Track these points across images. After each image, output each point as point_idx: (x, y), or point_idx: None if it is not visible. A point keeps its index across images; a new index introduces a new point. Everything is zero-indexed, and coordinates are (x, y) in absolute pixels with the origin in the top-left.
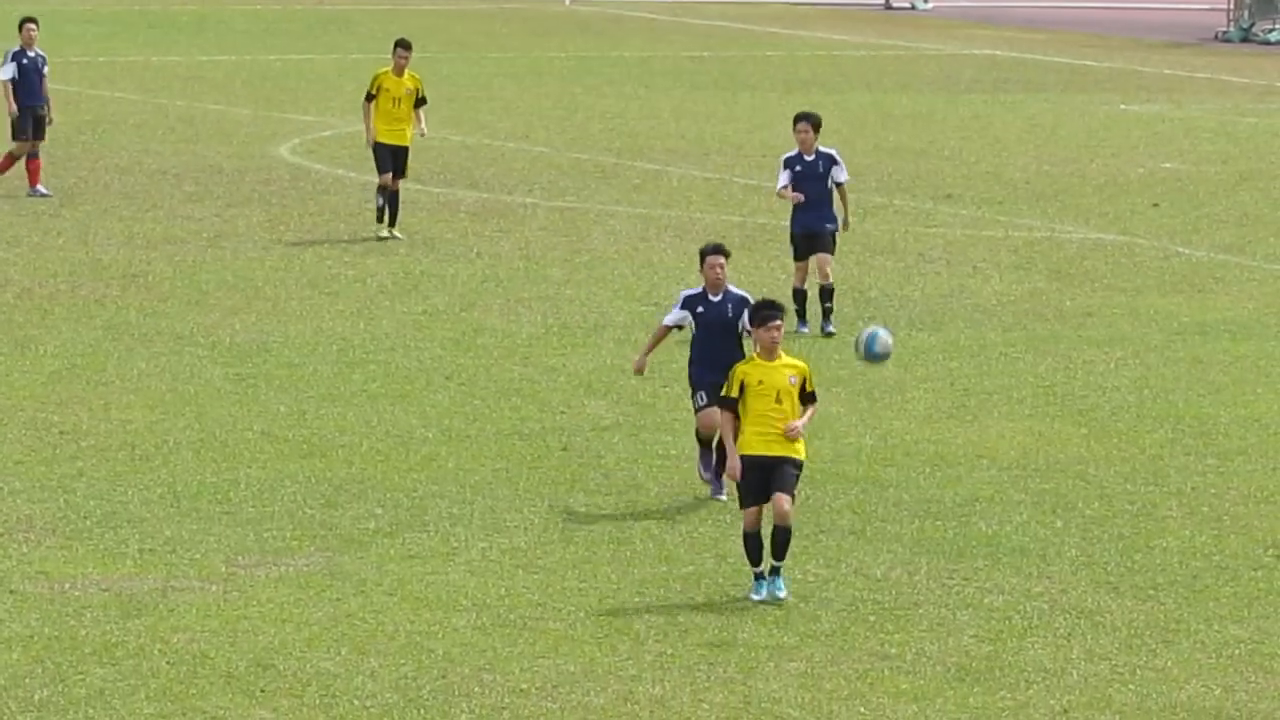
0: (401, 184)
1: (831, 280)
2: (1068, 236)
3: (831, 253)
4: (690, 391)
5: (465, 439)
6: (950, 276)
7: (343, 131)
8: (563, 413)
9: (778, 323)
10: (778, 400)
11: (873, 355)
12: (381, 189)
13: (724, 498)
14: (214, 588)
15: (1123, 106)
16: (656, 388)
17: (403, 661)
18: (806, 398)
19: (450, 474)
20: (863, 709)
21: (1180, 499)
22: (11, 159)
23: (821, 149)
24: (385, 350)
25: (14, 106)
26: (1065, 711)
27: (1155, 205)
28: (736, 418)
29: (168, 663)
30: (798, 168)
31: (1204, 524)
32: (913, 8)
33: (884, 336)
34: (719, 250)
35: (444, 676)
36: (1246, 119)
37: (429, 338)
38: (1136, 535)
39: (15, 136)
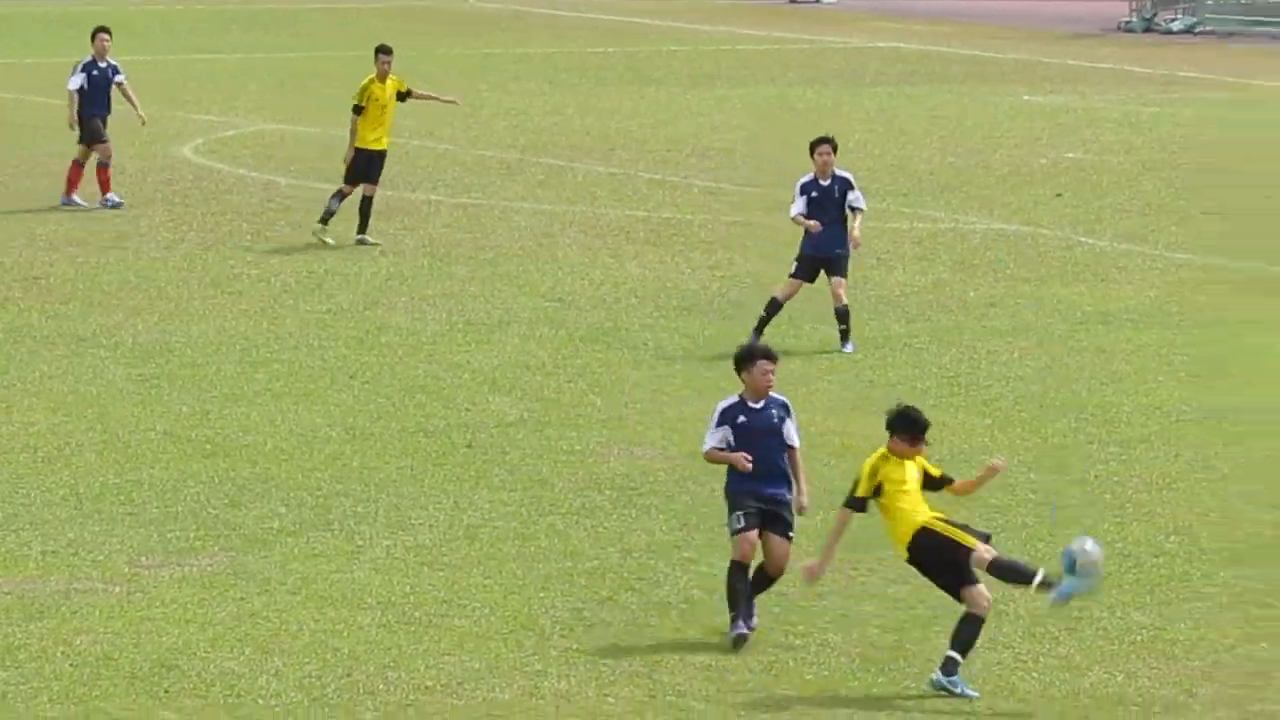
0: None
1: (846, 301)
2: (972, 227)
3: (845, 276)
4: (727, 511)
5: (369, 437)
6: (855, 269)
7: (246, 131)
8: (467, 409)
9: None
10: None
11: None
12: (340, 195)
13: (746, 631)
14: (117, 589)
15: (1026, 97)
16: (561, 383)
17: (307, 660)
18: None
19: (355, 472)
20: (768, 700)
21: (1083, 487)
22: (79, 167)
23: (838, 172)
24: (289, 349)
25: (74, 116)
26: (970, 700)
27: (1059, 195)
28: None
29: (71, 664)
30: (814, 193)
31: (1106, 512)
32: (817, 1)
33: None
34: (769, 355)
35: (349, 675)
36: (1149, 109)
37: (333, 336)
38: (1039, 524)
39: (82, 141)
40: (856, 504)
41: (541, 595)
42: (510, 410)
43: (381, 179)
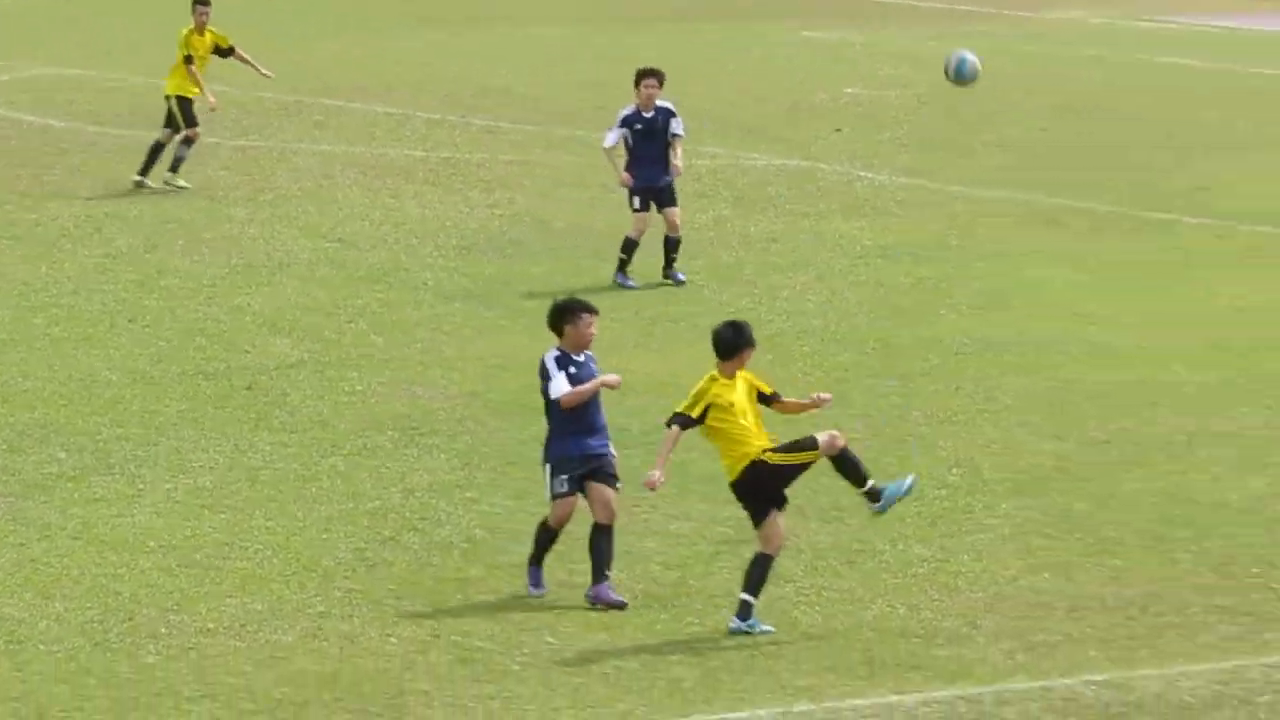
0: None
1: (680, 232)
2: (751, 163)
3: (676, 204)
4: (549, 474)
5: (150, 381)
6: None
7: (21, 75)
8: (247, 352)
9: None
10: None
11: (962, 77)
12: (189, 140)
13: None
14: None
15: (805, 33)
16: (341, 324)
17: (89, 605)
18: None
19: (135, 416)
20: (550, 638)
21: (865, 421)
22: None
23: (660, 103)
24: (68, 294)
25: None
26: (749, 633)
27: (838, 130)
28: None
29: None
30: (638, 125)
31: (889, 445)
32: None
33: (972, 60)
34: (590, 308)
35: (130, 619)
36: (927, 42)
37: (112, 280)
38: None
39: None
40: (682, 420)
41: (324, 537)
42: (291, 352)
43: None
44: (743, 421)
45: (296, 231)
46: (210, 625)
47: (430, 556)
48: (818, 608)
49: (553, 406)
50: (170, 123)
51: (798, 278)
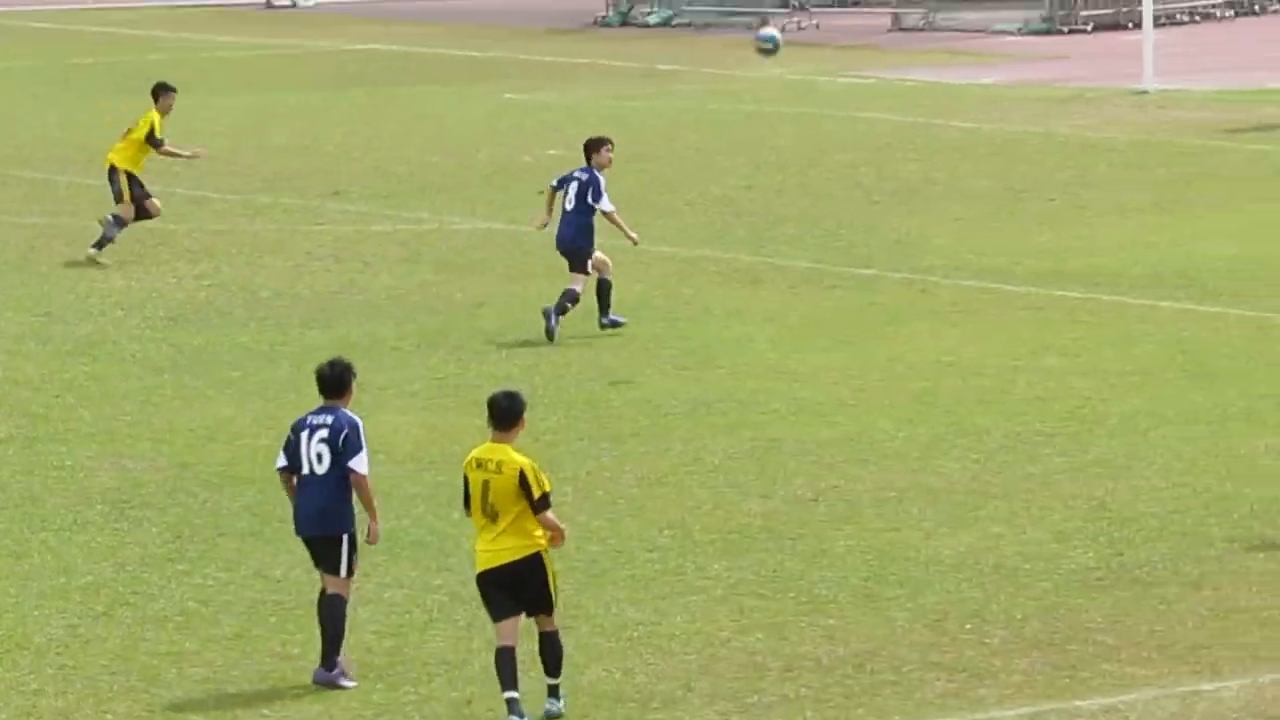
0: None
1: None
2: (456, 227)
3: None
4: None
5: None
6: (340, 273)
7: None
8: None
9: None
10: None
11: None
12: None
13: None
14: None
15: (507, 96)
16: (49, 398)
17: None
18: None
19: None
20: (266, 710)
21: (575, 484)
22: None
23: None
24: None
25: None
26: (468, 702)
27: (542, 192)
28: None
29: None
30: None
31: (600, 508)
32: (294, 5)
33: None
34: None
35: None
36: (628, 102)
37: None
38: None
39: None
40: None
41: (36, 613)
42: None
43: None
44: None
45: (1, 305)
46: None
47: (144, 631)
48: (532, 672)
49: (347, 476)
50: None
51: (504, 342)
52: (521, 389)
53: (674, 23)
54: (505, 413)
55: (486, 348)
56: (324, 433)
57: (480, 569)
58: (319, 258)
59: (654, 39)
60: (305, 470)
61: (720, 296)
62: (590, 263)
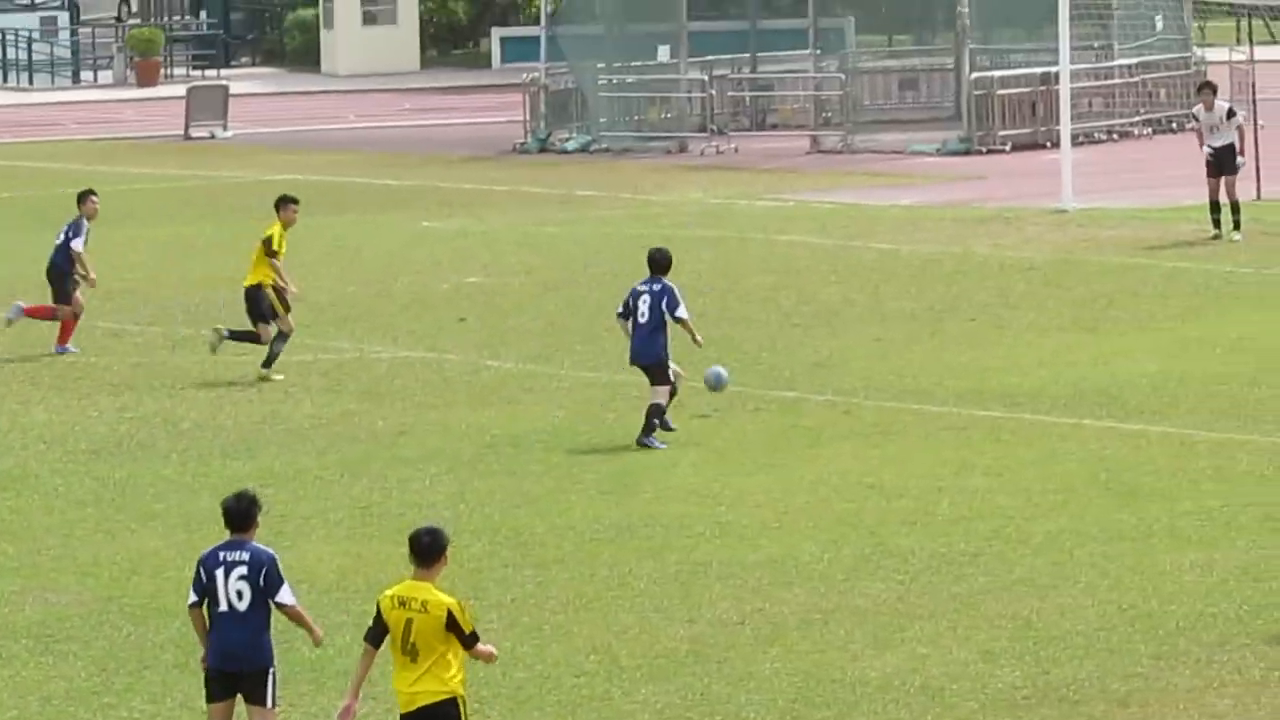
0: None
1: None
2: (377, 356)
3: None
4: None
5: None
6: (262, 403)
7: None
8: None
9: None
10: None
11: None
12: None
13: None
14: None
15: (425, 224)
16: None
17: None
18: None
19: None
20: None
21: (500, 610)
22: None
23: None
24: None
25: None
26: None
27: (462, 320)
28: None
29: None
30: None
31: (525, 634)
32: (212, 136)
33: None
34: None
35: None
36: (547, 228)
37: None
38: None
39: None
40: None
41: None
42: None
43: None
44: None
45: None
46: None
47: None
48: None
49: (269, 611)
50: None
51: (428, 470)
52: (444, 520)
53: (592, 148)
54: (427, 550)
55: (409, 475)
56: (242, 569)
57: (401, 710)
58: (241, 388)
59: (572, 164)
60: (224, 607)
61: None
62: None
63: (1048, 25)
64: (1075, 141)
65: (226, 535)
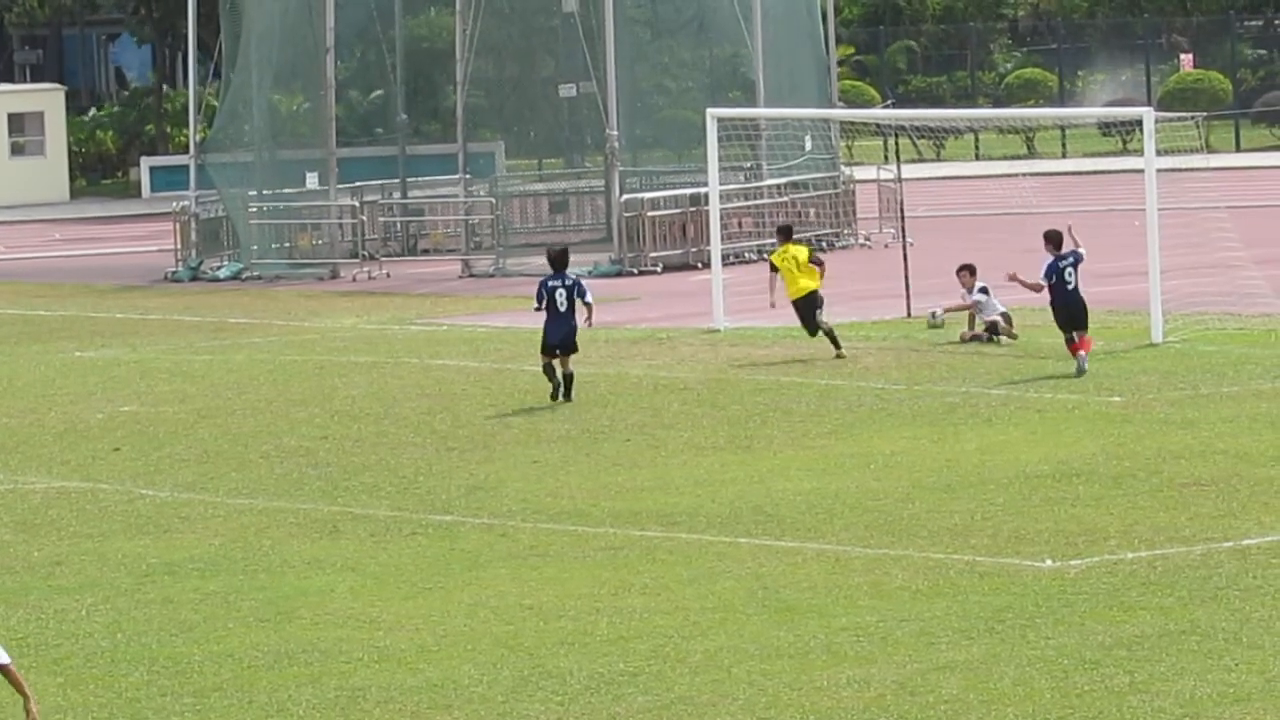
0: None
1: None
2: (31, 487)
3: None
4: None
5: None
6: None
7: None
8: None
9: None
10: None
11: None
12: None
13: None
14: None
15: (78, 353)
16: None
17: None
18: None
19: None
20: None
21: None
22: None
23: None
24: None
25: None
26: None
27: (116, 449)
28: None
29: None
30: None
31: None
32: None
33: None
34: None
35: None
36: (201, 356)
37: None
38: None
39: None
40: None
41: None
42: None
43: None
44: None
45: None
46: None
47: None
48: None
49: None
50: None
51: (84, 600)
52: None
53: (244, 276)
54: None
55: (66, 606)
56: None
57: None
58: None
59: (225, 293)
60: None
61: (299, 548)
62: None
63: (697, 147)
64: (726, 261)
65: None
